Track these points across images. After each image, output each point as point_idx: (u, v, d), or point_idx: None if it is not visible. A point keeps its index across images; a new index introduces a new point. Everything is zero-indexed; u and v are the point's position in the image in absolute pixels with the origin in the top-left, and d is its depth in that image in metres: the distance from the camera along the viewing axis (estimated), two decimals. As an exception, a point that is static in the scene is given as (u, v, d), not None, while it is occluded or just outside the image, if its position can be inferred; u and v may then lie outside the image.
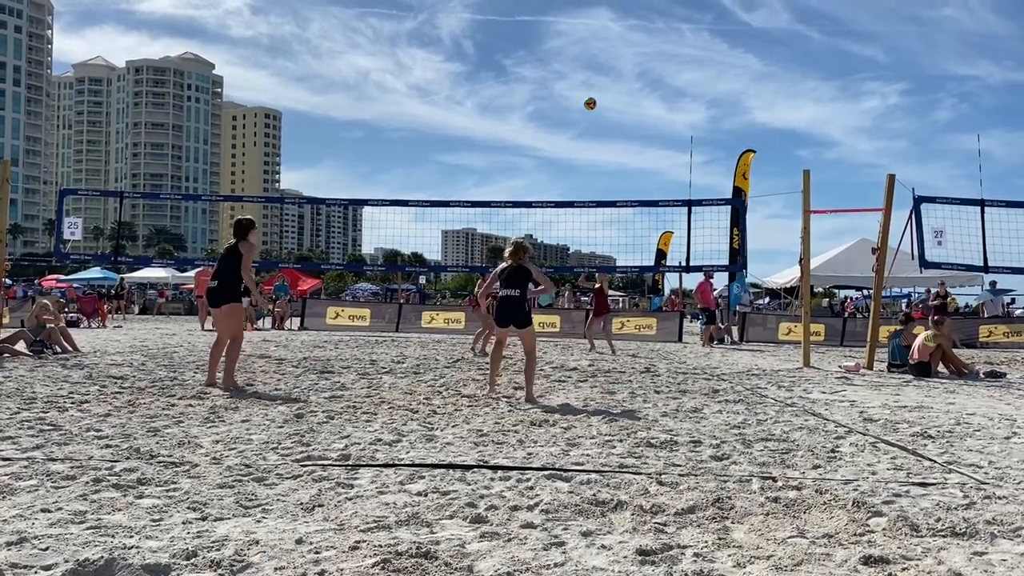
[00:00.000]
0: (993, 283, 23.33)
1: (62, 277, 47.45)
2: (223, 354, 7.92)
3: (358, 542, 3.07)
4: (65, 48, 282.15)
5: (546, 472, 4.38)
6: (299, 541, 3.08)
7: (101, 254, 14.00)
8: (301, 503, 3.64)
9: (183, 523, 3.29)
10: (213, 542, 3.03)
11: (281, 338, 17.68)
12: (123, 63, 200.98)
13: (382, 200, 14.42)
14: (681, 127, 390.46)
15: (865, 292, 25.98)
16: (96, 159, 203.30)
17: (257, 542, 3.05)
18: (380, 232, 35.44)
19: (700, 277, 18.93)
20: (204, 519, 3.36)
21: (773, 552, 3.07)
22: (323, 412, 6.45)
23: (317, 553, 2.95)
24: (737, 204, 19.25)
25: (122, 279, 37.71)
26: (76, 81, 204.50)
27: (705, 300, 19.16)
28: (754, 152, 23.92)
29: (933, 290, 21.09)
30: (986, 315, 23.82)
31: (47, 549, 2.90)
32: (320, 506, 3.60)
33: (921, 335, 11.22)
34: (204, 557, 2.86)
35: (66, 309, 25.06)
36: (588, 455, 4.92)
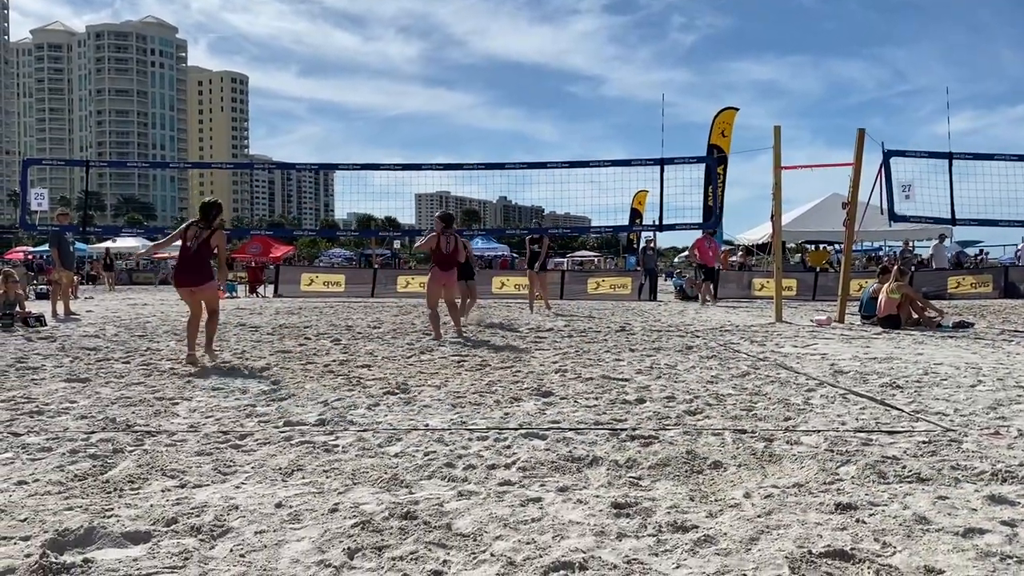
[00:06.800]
0: (942, 236, 23.40)
1: (30, 249, 46.68)
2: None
3: (337, 504, 3.11)
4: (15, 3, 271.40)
5: (523, 431, 4.43)
6: (278, 505, 3.10)
7: (69, 225, 13.83)
8: (280, 468, 3.66)
9: (162, 491, 3.30)
10: (192, 508, 3.05)
11: (255, 305, 17.59)
12: (83, 28, 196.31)
13: (352, 164, 14.22)
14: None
15: (837, 247, 26.19)
16: (59, 127, 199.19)
17: (236, 507, 3.07)
18: (352, 198, 35.01)
19: (698, 235, 18.95)
20: (183, 486, 3.37)
21: (744, 502, 3.15)
22: (301, 378, 6.45)
23: (296, 516, 2.98)
24: (710, 162, 19.26)
25: (108, 250, 37.24)
26: (35, 47, 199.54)
27: (704, 258, 19.16)
28: (737, 109, 23.79)
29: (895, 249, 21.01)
30: (935, 267, 23.79)
31: (25, 520, 2.90)
32: (299, 470, 3.63)
33: (884, 288, 11.44)
34: (184, 523, 2.88)
35: (35, 281, 24.79)
36: (564, 413, 4.98)
